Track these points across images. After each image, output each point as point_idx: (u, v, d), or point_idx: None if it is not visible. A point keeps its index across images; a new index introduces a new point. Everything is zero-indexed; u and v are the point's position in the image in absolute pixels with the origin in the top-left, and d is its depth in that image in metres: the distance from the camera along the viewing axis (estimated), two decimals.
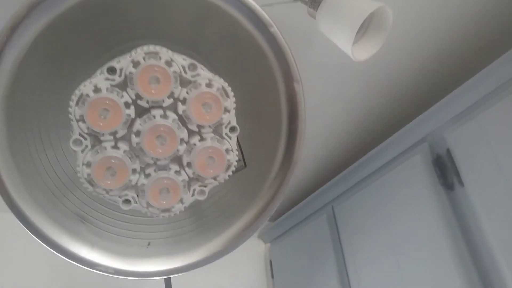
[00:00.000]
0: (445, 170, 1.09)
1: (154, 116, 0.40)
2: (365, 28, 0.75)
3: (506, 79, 0.98)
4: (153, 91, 0.39)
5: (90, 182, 0.40)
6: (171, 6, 0.43)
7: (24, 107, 0.40)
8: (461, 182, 1.06)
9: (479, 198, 1.00)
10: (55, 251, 0.41)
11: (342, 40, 0.71)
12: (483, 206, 1.00)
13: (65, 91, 0.41)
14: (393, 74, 1.14)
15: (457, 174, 1.07)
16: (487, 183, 0.99)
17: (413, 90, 1.23)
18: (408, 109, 1.22)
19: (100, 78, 0.39)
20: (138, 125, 0.39)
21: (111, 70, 0.39)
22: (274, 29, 0.43)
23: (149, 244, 0.46)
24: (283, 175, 0.47)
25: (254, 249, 1.49)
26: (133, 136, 0.39)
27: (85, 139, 0.39)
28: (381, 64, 1.08)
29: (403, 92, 1.23)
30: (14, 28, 0.37)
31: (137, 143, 0.39)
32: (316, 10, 0.74)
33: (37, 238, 0.40)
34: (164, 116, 0.40)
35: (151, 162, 0.41)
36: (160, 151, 0.39)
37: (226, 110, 0.42)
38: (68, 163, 0.45)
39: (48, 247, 0.41)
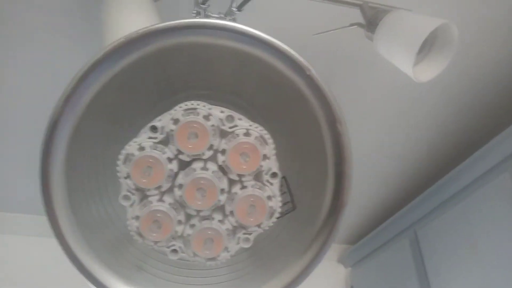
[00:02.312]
0: None
1: (194, 169, 0.41)
2: (429, 46, 0.70)
3: None
4: (191, 146, 0.40)
5: (139, 234, 0.42)
6: (213, 59, 0.45)
7: (82, 166, 0.44)
8: None
9: None
10: None
11: (403, 61, 0.68)
12: None
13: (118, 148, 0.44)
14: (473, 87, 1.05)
15: None
16: None
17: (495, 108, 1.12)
18: (492, 125, 1.10)
19: (143, 137, 0.41)
20: (180, 178, 0.41)
21: (154, 129, 0.41)
22: (312, 72, 0.42)
23: None
24: (334, 217, 0.46)
25: (334, 273, 1.45)
26: (175, 189, 0.41)
27: (133, 194, 0.41)
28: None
29: (484, 109, 1.12)
30: (71, 94, 0.41)
31: (180, 196, 0.41)
32: (374, 33, 0.71)
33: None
34: (204, 168, 0.41)
35: (194, 213, 0.42)
36: (200, 203, 0.40)
37: (266, 157, 0.42)
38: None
39: None
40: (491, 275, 0.92)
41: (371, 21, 0.71)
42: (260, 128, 0.42)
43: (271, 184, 0.43)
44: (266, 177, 0.43)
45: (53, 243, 0.41)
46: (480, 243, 1.06)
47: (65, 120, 0.40)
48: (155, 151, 0.41)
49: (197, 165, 0.41)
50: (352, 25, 0.76)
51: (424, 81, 0.68)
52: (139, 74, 0.44)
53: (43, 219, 0.41)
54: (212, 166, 0.41)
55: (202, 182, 0.41)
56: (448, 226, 1.08)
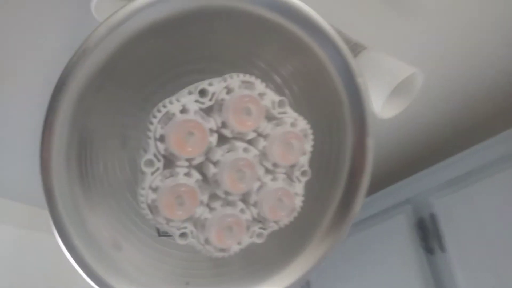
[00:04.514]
0: (427, 234, 1.12)
1: (237, 148, 0.37)
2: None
3: (498, 156, 1.02)
4: (239, 122, 0.36)
5: (153, 209, 0.36)
6: (259, 35, 0.41)
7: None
8: (442, 248, 1.08)
9: (461, 265, 1.03)
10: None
11: (373, 97, 0.72)
12: (464, 273, 1.02)
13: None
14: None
15: (439, 240, 1.10)
16: (469, 251, 1.02)
17: (404, 152, 1.27)
18: (396, 169, 1.25)
19: (189, 99, 0.35)
20: (219, 155, 0.36)
21: (203, 92, 0.36)
22: (361, 80, 0.42)
23: (187, 283, 0.42)
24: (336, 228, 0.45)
25: None
26: (211, 166, 0.36)
27: (159, 160, 0.35)
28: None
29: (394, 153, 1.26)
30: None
31: (214, 174, 0.36)
32: (354, 57, 0.75)
33: None
34: (247, 150, 0.37)
35: (222, 196, 0.37)
36: (237, 186, 0.36)
37: (304, 153, 0.40)
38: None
39: None
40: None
41: None
42: (306, 121, 0.40)
43: (300, 181, 0.41)
44: (297, 173, 0.41)
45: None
46: (369, 270, 1.18)
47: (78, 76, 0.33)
48: (199, 117, 0.35)
49: (240, 144, 0.37)
50: None
51: (385, 118, 0.74)
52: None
53: None
54: (253, 150, 0.38)
55: (242, 163, 0.37)
56: (343, 250, 1.15)
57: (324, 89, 0.43)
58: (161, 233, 0.44)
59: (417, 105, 0.93)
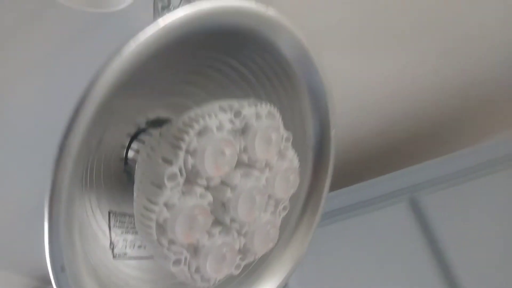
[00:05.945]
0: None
1: (252, 176, 0.36)
2: None
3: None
4: (265, 151, 0.36)
5: (161, 227, 0.31)
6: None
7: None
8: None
9: None
10: None
11: None
12: None
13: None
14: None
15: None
16: None
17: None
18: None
19: (225, 116, 0.33)
20: (237, 180, 0.35)
21: (238, 113, 0.34)
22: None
23: None
24: None
25: None
26: (228, 190, 0.34)
27: (181, 175, 0.31)
28: None
29: None
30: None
31: (229, 199, 0.34)
32: None
33: None
34: (259, 179, 0.36)
35: (227, 222, 0.35)
36: (255, 214, 0.35)
37: (295, 188, 0.41)
38: None
39: None
40: None
41: None
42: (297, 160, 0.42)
43: (280, 215, 0.42)
44: (280, 207, 0.41)
45: None
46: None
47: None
48: (232, 137, 0.33)
49: (254, 172, 0.36)
50: None
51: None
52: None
53: None
54: (263, 179, 0.37)
55: (255, 192, 0.36)
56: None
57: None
58: (116, 255, 0.38)
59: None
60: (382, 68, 1.05)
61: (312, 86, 0.42)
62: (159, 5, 0.58)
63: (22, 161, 0.97)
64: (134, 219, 0.38)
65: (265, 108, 0.36)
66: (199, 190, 0.33)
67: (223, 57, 0.39)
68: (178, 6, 0.58)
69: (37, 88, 0.68)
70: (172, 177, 0.31)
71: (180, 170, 0.31)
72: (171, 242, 0.32)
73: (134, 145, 0.41)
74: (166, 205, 0.31)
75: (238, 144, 0.34)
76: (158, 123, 0.44)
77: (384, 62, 1.03)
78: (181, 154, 0.31)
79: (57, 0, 0.47)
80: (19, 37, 0.60)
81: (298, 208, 0.47)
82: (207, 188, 0.34)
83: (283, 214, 0.42)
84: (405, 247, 1.13)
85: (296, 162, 0.41)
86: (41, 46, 0.62)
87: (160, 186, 0.31)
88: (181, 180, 0.32)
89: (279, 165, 0.39)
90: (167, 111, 0.45)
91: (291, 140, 0.40)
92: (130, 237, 0.41)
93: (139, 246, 0.41)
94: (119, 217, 0.40)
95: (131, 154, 0.41)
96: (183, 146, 0.31)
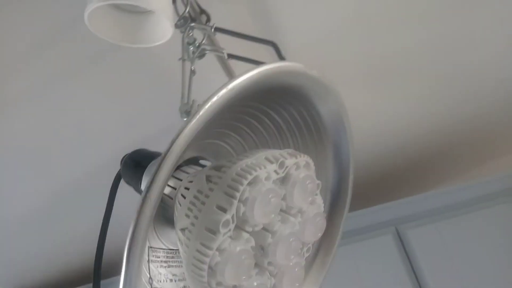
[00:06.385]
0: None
1: (289, 222, 0.38)
2: None
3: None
4: (303, 199, 0.39)
5: (211, 270, 0.33)
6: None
7: None
8: None
9: None
10: None
11: None
12: None
13: None
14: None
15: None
16: None
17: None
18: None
19: (271, 167, 0.36)
20: (277, 226, 0.37)
21: (282, 164, 0.37)
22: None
23: None
24: None
25: None
26: (269, 236, 0.37)
27: (233, 222, 0.34)
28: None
29: None
30: None
31: (269, 244, 0.37)
32: None
33: None
34: (294, 225, 0.39)
35: (264, 265, 0.38)
36: (292, 259, 0.38)
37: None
38: None
39: None
40: None
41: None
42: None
43: (304, 256, 0.44)
44: (305, 249, 0.44)
45: None
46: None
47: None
48: (277, 187, 0.36)
49: (291, 219, 0.39)
50: None
51: None
52: None
53: None
54: (297, 225, 0.40)
55: (293, 238, 0.38)
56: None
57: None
58: None
59: None
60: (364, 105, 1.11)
61: (338, 142, 0.46)
62: (185, 41, 0.61)
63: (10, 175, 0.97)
64: (167, 254, 0.40)
65: (303, 159, 0.39)
66: (246, 235, 0.35)
67: (265, 108, 0.42)
68: (202, 43, 0.62)
69: None
70: (226, 223, 0.33)
71: (232, 217, 0.34)
72: (219, 284, 0.34)
73: (170, 182, 0.43)
74: (218, 249, 0.33)
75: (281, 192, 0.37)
76: (190, 161, 0.47)
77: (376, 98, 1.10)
78: (235, 202, 0.33)
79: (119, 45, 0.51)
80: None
81: (313, 248, 0.50)
82: (252, 233, 0.36)
83: (307, 255, 0.45)
84: (388, 278, 1.18)
85: (323, 207, 0.44)
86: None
87: (214, 232, 0.33)
88: (232, 226, 0.34)
89: (310, 211, 0.42)
90: (197, 151, 0.47)
91: (320, 188, 0.43)
92: (163, 271, 0.42)
93: (171, 280, 0.43)
94: (155, 252, 0.42)
95: (166, 190, 0.43)
96: (237, 195, 0.33)
